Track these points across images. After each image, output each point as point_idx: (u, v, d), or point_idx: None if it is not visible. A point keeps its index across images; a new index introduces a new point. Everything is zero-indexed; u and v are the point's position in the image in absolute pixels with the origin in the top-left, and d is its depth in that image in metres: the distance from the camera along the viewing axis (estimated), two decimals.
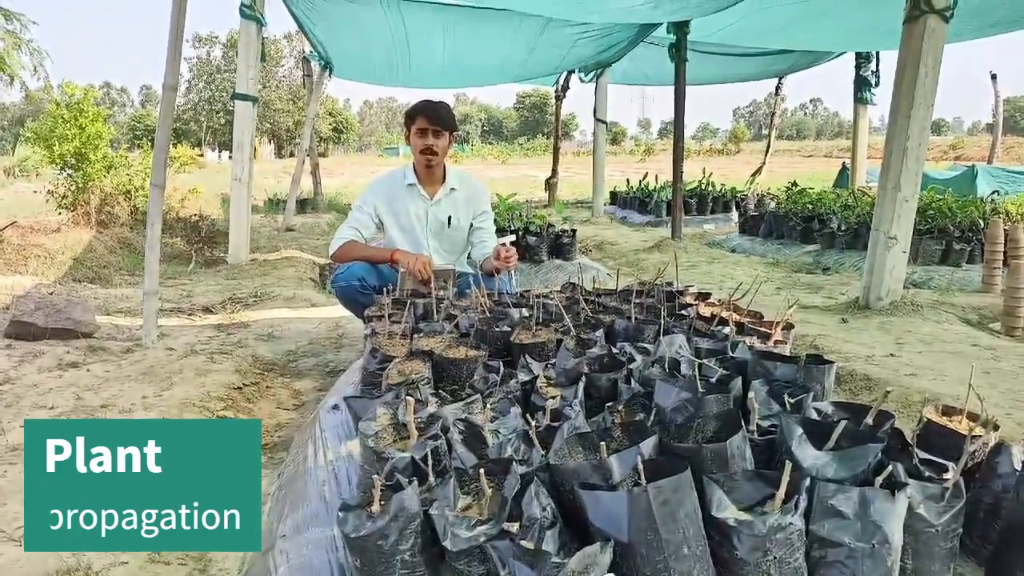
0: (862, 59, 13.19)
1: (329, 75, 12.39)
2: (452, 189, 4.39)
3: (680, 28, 9.53)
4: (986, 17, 8.59)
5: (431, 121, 4.13)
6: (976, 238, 7.57)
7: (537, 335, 2.87)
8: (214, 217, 10.66)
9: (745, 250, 10.12)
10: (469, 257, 4.52)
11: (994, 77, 18.63)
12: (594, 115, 14.20)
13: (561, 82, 16.09)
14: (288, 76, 72.48)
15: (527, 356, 2.63)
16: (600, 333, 2.86)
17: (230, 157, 8.60)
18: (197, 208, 10.43)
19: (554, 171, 17.92)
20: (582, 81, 14.42)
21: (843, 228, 8.85)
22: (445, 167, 4.39)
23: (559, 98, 16.81)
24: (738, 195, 14.19)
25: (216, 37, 72.06)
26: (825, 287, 6.87)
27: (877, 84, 13.41)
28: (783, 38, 11.22)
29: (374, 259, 4.17)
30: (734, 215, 13.31)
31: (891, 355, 4.26)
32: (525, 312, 3.27)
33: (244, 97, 8.01)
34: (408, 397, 2.05)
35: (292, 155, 57.98)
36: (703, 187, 14.41)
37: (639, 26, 10.61)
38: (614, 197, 16.56)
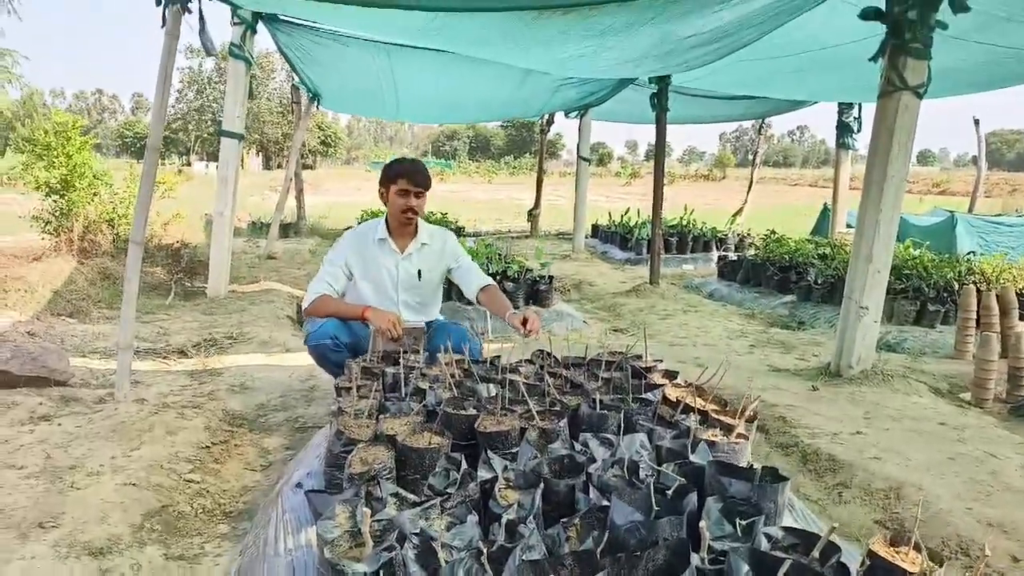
0: (844, 106, 13.33)
1: (317, 106, 12.45)
2: (423, 244, 4.48)
3: (662, 79, 9.63)
4: (954, 81, 8.66)
5: (413, 183, 4.25)
6: (951, 299, 7.61)
7: (501, 422, 2.89)
8: (195, 244, 10.61)
9: (722, 297, 10.18)
10: (478, 301, 4.55)
11: (977, 122, 18.66)
12: (577, 153, 14.27)
13: (546, 116, 16.16)
14: (279, 89, 72.55)
15: (489, 450, 2.66)
16: (564, 423, 2.90)
17: (217, 168, 8.64)
18: (180, 234, 10.39)
19: (537, 202, 17.97)
20: (567, 117, 14.51)
21: (820, 281, 8.89)
22: (417, 222, 4.46)
23: (543, 131, 16.88)
24: (719, 235, 14.29)
25: None
26: (798, 346, 6.91)
27: (859, 130, 13.53)
28: (766, 89, 11.29)
29: (346, 315, 4.23)
30: (714, 255, 13.40)
31: (858, 432, 4.30)
32: (492, 389, 3.32)
33: (230, 134, 8.03)
34: (365, 509, 2.07)
35: (280, 167, 57.93)
36: (684, 225, 14.46)
37: None
38: (595, 230, 16.60)
